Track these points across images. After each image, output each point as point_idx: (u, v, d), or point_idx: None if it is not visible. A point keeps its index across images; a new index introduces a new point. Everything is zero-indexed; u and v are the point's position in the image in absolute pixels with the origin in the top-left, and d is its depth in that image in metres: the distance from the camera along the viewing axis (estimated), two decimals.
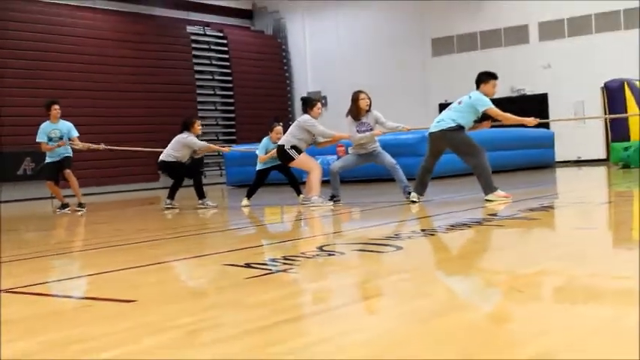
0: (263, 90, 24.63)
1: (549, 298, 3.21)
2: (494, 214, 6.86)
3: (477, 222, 6.28)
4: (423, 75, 23.54)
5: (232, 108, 24.22)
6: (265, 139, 10.38)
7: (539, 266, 3.93)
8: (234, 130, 24.08)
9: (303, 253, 4.88)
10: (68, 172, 11.16)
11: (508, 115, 8.39)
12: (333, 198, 9.36)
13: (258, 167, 10.35)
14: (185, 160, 10.59)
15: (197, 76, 23.29)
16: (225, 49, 24.27)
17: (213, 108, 23.96)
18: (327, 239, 6.14)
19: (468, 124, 8.35)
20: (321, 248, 5.10)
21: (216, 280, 4.17)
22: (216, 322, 2.99)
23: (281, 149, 9.51)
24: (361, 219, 8.25)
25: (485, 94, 8.33)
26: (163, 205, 10.54)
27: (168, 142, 10.81)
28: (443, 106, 22.61)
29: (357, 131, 9.22)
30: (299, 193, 10.17)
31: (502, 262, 4.35)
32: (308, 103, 9.64)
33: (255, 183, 10.39)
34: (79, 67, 19.91)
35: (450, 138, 8.31)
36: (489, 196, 8.10)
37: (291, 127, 9.63)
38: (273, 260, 4.55)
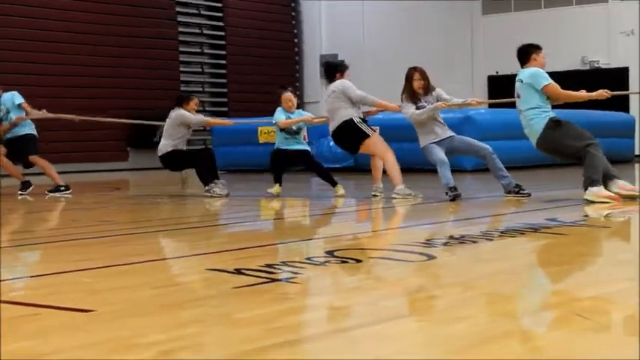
0: (264, 50, 24.62)
1: (620, 328, 3.21)
2: (554, 219, 6.86)
3: (532, 228, 6.28)
4: (468, 40, 23.49)
5: (224, 71, 24.22)
6: (279, 110, 10.37)
7: (609, 288, 3.92)
8: (224, 99, 24.10)
9: (308, 259, 4.89)
10: (33, 158, 11.46)
11: (570, 92, 8.38)
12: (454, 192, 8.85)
13: (276, 146, 10.42)
14: (184, 146, 10.61)
15: (181, 28, 23.29)
16: None
17: (199, 70, 23.96)
18: (340, 242, 6.15)
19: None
20: (331, 253, 5.11)
21: (197, 289, 4.19)
22: (196, 342, 3.00)
23: (347, 126, 9.29)
24: (388, 218, 8.26)
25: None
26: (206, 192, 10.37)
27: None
28: (493, 80, 22.79)
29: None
30: (335, 183, 10.03)
31: (561, 280, 4.34)
32: (338, 68, 9.71)
33: (275, 166, 10.40)
34: (25, 11, 19.92)
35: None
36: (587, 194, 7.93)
37: (332, 101, 9.42)
38: (270, 266, 4.56)
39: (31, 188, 11.60)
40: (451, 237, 5.87)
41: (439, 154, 8.92)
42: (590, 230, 6.37)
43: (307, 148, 10.56)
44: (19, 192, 11.53)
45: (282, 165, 10.40)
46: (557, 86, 8.29)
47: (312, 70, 25.62)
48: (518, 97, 8.40)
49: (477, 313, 3.50)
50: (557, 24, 21.99)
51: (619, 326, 3.23)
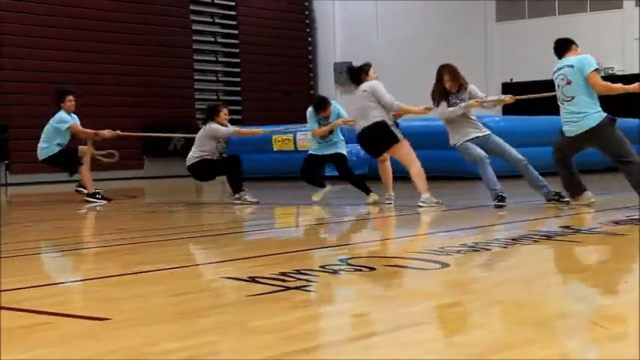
0: (277, 58, 24.65)
1: (636, 337, 3.19)
2: (569, 227, 6.83)
3: (545, 236, 6.26)
4: (483, 46, 23.44)
5: (238, 79, 24.28)
6: (310, 114, 10.24)
7: (625, 296, 3.90)
8: (239, 107, 24.14)
9: (323, 267, 4.88)
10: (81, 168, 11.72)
11: (608, 84, 8.16)
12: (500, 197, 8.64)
13: (311, 151, 10.33)
14: (214, 157, 10.63)
15: (195, 37, 23.36)
16: (232, 3, 24.32)
17: (214, 78, 24.02)
18: (354, 250, 6.14)
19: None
20: (346, 261, 5.11)
21: (212, 297, 4.19)
22: (212, 350, 3.01)
23: (377, 127, 9.04)
24: (402, 227, 8.25)
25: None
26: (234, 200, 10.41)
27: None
28: (507, 87, 22.70)
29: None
30: (368, 191, 9.84)
31: (576, 288, 4.32)
32: (362, 70, 9.42)
33: (306, 173, 10.35)
34: (37, 21, 20.01)
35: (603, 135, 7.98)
36: None
37: (364, 102, 9.15)
38: (285, 274, 4.56)
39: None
40: (465, 245, 5.85)
41: (476, 149, 8.63)
42: (605, 238, 6.33)
43: (343, 151, 10.25)
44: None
45: (314, 171, 10.33)
46: (599, 76, 8.06)
47: (325, 77, 25.66)
48: (569, 83, 7.99)
49: (492, 321, 3.49)
50: (571, 30, 21.74)
51: (635, 335, 3.22)
